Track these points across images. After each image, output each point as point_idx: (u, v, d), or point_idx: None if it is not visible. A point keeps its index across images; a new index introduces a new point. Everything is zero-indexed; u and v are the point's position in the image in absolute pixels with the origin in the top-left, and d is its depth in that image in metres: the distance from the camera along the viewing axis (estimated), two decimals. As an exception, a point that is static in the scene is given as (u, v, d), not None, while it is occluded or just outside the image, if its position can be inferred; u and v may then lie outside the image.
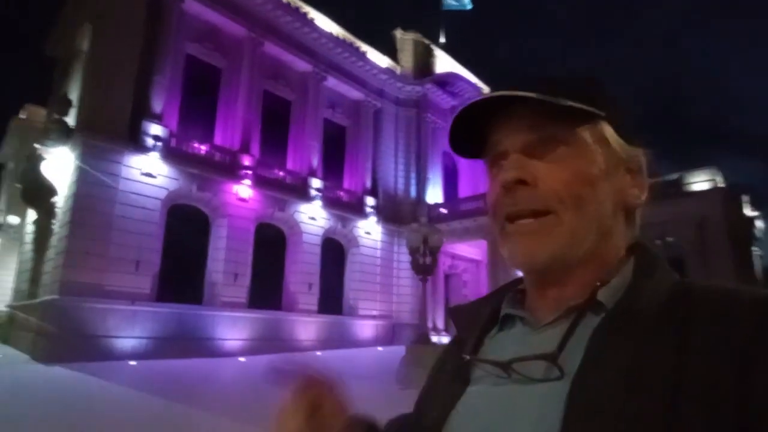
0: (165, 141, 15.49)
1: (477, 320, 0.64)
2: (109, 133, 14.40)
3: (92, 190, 13.82)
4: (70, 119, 16.00)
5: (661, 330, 0.46)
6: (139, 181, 14.88)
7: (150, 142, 15.10)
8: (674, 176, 35.39)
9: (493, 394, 0.53)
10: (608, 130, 0.55)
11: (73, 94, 18.34)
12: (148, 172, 15.07)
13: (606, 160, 0.54)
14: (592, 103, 0.52)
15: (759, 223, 37.50)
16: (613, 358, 0.45)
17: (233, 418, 7.10)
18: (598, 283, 0.52)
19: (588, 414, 0.43)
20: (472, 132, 0.59)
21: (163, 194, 15.39)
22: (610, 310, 0.50)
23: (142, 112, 15.25)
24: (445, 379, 0.61)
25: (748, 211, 35.88)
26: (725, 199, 32.37)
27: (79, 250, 13.30)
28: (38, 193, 16.64)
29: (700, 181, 34.77)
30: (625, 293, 0.51)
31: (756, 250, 35.43)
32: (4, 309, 25.65)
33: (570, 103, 0.51)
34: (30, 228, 19.27)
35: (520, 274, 0.63)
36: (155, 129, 15.32)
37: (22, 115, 30.87)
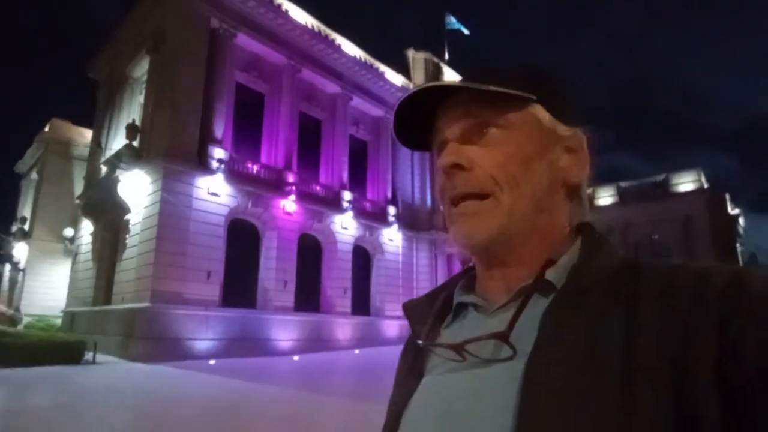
0: (226, 163, 17.42)
1: (430, 311, 0.65)
2: (183, 157, 16.27)
3: (173, 209, 15.69)
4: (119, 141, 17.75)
5: (611, 307, 0.48)
6: (207, 200, 16.80)
7: (215, 164, 17.02)
8: (660, 177, 38.52)
9: (449, 379, 0.54)
10: (540, 112, 0.58)
11: (129, 117, 20.08)
12: (214, 192, 16.99)
13: (539, 141, 0.57)
14: (522, 88, 0.55)
15: (742, 221, 40.61)
16: (566, 337, 0.47)
17: (350, 399, 9.30)
18: (546, 263, 0.54)
19: (544, 392, 0.44)
20: (422, 125, 0.62)
21: (225, 211, 17.34)
22: (561, 288, 0.52)
23: (207, 138, 17.15)
24: (404, 370, 0.64)
25: (731, 210, 38.99)
26: (709, 199, 35.61)
27: (164, 263, 15.20)
28: (105, 210, 18.34)
29: (685, 182, 37.86)
30: (575, 271, 0.52)
31: (739, 247, 38.66)
32: (48, 313, 27.04)
33: (492, 87, 0.54)
34: (86, 240, 20.82)
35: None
36: (218, 152, 17.24)
37: (47, 129, 31.90)
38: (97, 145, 22.22)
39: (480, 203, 0.56)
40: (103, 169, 19.15)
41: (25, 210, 34.32)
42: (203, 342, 15.74)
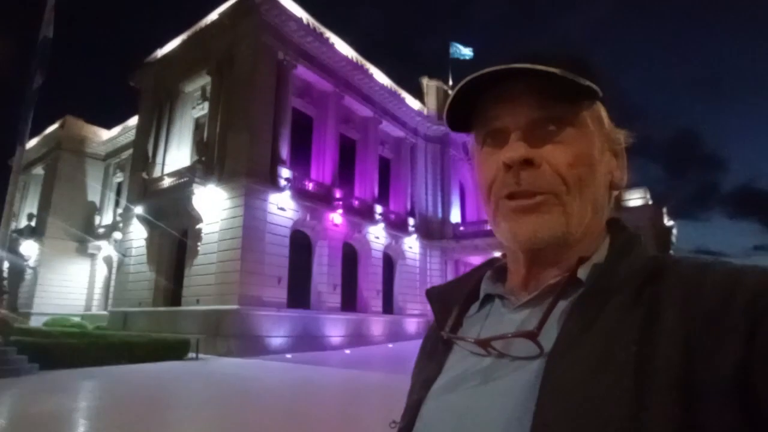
0: (291, 181, 19.69)
1: (455, 300, 0.64)
2: (260, 176, 18.42)
3: (253, 223, 17.84)
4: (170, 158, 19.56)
5: (633, 309, 0.46)
6: (277, 214, 19.03)
7: (283, 182, 19.26)
8: (615, 193, 46.70)
9: (471, 372, 0.53)
10: (603, 111, 0.56)
11: (181, 130, 21.77)
12: (282, 207, 19.24)
13: (601, 142, 0.55)
14: (594, 81, 0.51)
15: (675, 231, 50.15)
16: (586, 338, 0.46)
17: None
18: (578, 261, 0.53)
19: (560, 393, 0.44)
20: (463, 104, 0.57)
21: (290, 224, 19.62)
22: (586, 288, 0.50)
23: (276, 158, 19.34)
24: (425, 359, 0.63)
25: (667, 222, 48.29)
26: (653, 213, 43.34)
27: (248, 270, 17.36)
28: (169, 218, 19.99)
29: (634, 198, 45.92)
30: (601, 271, 0.51)
31: (672, 253, 47.69)
32: (92, 312, 27.65)
33: (587, 82, 0.50)
34: (137, 244, 22.14)
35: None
36: (285, 172, 19.49)
37: (60, 126, 31.89)
38: (142, 153, 23.49)
39: (540, 201, 0.53)
40: (166, 180, 20.74)
41: (27, 206, 33.96)
42: (277, 339, 18.04)
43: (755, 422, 0.39)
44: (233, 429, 6.59)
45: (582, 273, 0.52)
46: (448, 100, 0.57)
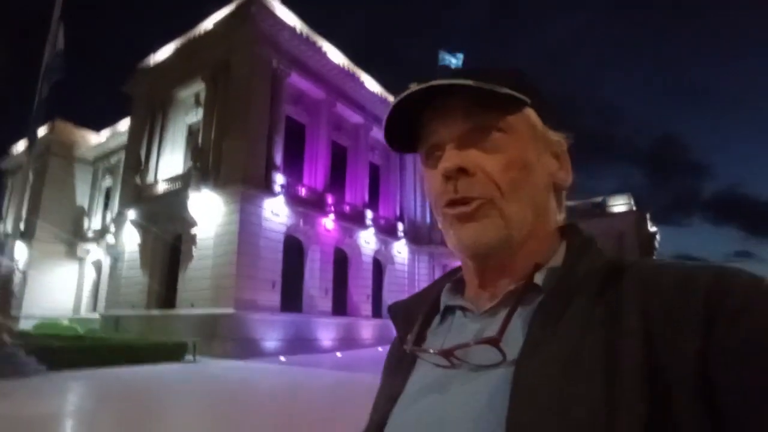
0: (285, 187, 20.20)
1: (417, 314, 0.64)
2: (255, 183, 18.90)
3: (249, 228, 18.30)
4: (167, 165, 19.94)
5: (596, 310, 0.47)
6: (271, 220, 19.51)
7: (277, 188, 19.76)
8: (599, 199, 48.01)
9: (437, 383, 0.53)
10: (534, 117, 0.58)
11: (175, 136, 22.14)
12: (276, 213, 19.73)
13: (535, 145, 0.57)
14: (520, 90, 0.54)
15: (658, 236, 52.28)
16: (552, 341, 0.47)
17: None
18: (534, 266, 0.54)
19: (530, 398, 0.44)
20: (406, 126, 0.60)
21: (283, 229, 20.11)
22: (547, 292, 0.51)
23: (270, 165, 19.83)
24: (390, 376, 0.62)
25: (651, 227, 50.29)
26: (637, 219, 45.02)
27: (244, 275, 17.80)
28: (162, 223, 20.31)
29: (618, 204, 47.88)
30: (560, 275, 0.52)
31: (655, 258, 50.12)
32: (86, 315, 27.59)
33: (506, 90, 0.53)
34: (129, 248, 22.36)
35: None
36: (279, 178, 19.99)
37: (49, 130, 31.77)
38: (135, 158, 23.73)
39: (477, 206, 0.54)
40: (161, 185, 21.05)
41: (16, 208, 33.70)
42: (270, 342, 18.50)
43: (717, 416, 0.39)
44: (240, 425, 7.15)
45: (539, 278, 0.54)
46: (384, 125, 0.60)
